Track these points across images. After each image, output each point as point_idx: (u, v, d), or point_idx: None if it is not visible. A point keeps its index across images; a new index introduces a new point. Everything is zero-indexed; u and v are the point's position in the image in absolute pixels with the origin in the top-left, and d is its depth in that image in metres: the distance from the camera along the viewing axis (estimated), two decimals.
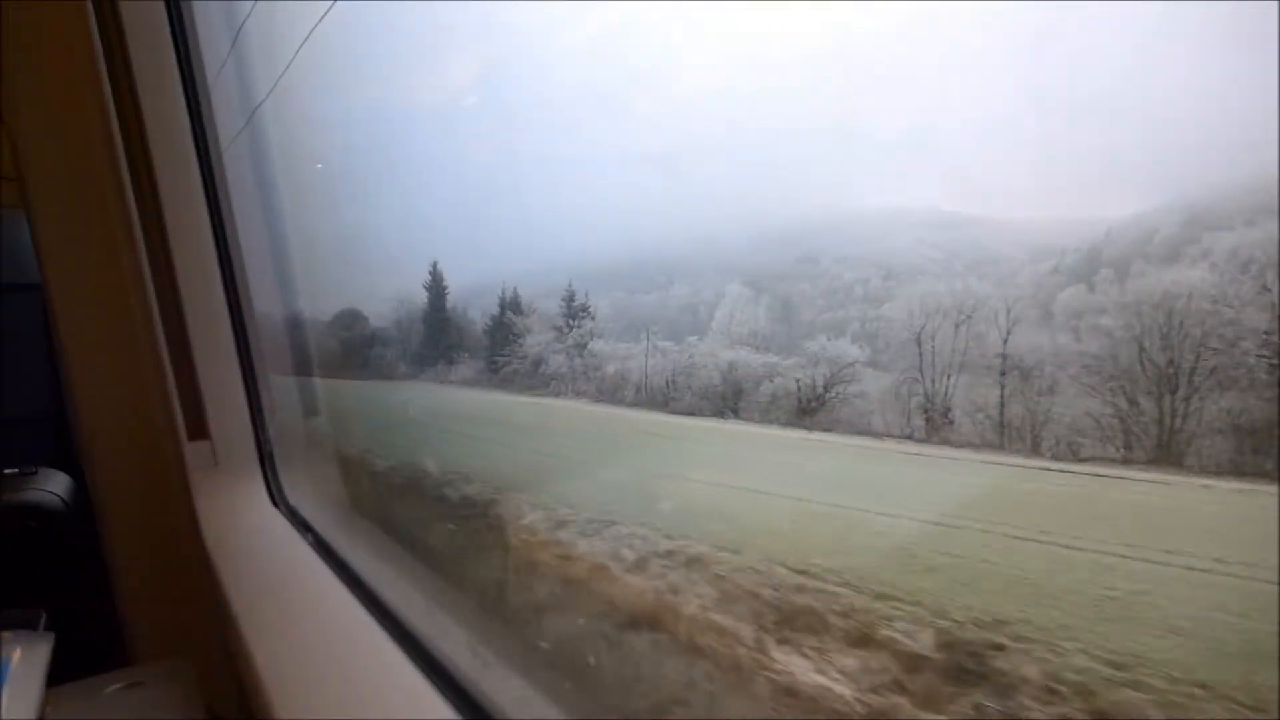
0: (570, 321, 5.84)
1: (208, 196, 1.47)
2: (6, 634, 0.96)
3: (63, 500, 1.50)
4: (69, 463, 1.65)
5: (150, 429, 1.44)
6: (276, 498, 1.46)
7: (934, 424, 3.55)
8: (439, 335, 6.71)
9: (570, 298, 6.02)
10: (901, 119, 4.15)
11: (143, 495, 1.44)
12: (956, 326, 3.61)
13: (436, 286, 6.67)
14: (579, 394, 5.63)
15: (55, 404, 2.02)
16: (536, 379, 5.84)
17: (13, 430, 1.96)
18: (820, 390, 4.23)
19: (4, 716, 0.80)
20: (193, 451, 1.44)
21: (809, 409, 4.23)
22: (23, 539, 1.43)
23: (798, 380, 4.35)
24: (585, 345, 5.72)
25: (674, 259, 5.80)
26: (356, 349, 6.72)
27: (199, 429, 1.46)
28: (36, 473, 1.56)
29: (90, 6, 1.34)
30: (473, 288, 6.71)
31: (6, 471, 1.54)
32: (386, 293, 6.71)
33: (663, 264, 5.82)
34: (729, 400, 4.71)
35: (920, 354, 3.70)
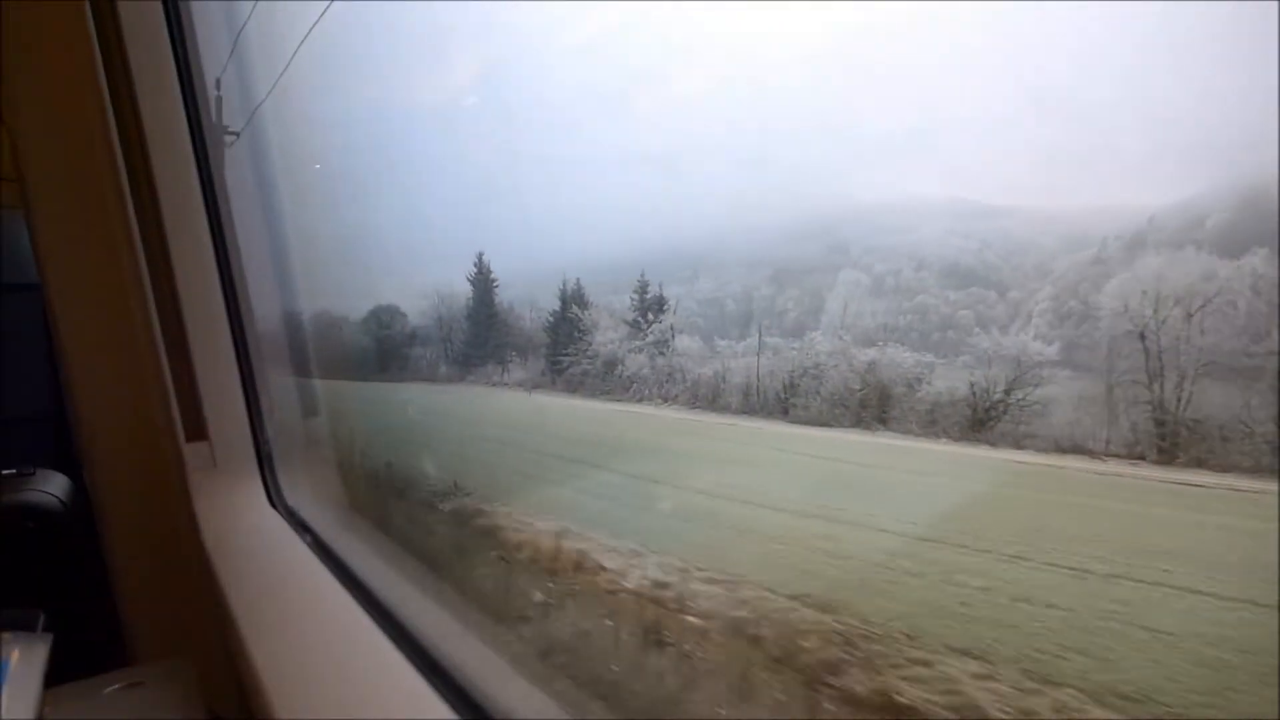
0: (647, 316, 5.11)
1: (205, 197, 1.47)
2: (5, 635, 0.96)
3: (61, 501, 1.50)
4: (68, 463, 1.65)
5: (149, 430, 1.44)
6: (275, 499, 1.46)
7: (1177, 441, 2.72)
8: (488, 332, 5.99)
9: (643, 289, 5.26)
10: (914, 113, 4.09)
11: (142, 496, 1.44)
12: (1189, 315, 2.86)
13: (483, 279, 6.03)
14: (668, 399, 4.77)
15: (55, 405, 2.02)
16: (612, 381, 5.07)
17: (12, 431, 1.96)
18: (1001, 395, 3.39)
19: (3, 717, 0.80)
20: (191, 452, 1.44)
21: (985, 419, 3.38)
22: (21, 540, 1.43)
23: (972, 383, 3.46)
24: (669, 342, 4.94)
25: (697, 253, 5.39)
26: (395, 349, 6.20)
27: (197, 430, 1.46)
28: (35, 474, 1.56)
29: (88, 8, 1.34)
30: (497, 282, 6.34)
31: (5, 473, 1.54)
32: (423, 286, 6.21)
33: (686, 258, 5.40)
34: (873, 407, 3.82)
35: (1145, 350, 2.90)
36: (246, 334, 1.52)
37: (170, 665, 1.11)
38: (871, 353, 4.00)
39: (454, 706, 0.65)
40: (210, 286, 1.47)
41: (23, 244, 1.65)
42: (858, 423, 3.85)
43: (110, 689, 1.04)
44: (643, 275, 5.24)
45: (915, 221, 4.58)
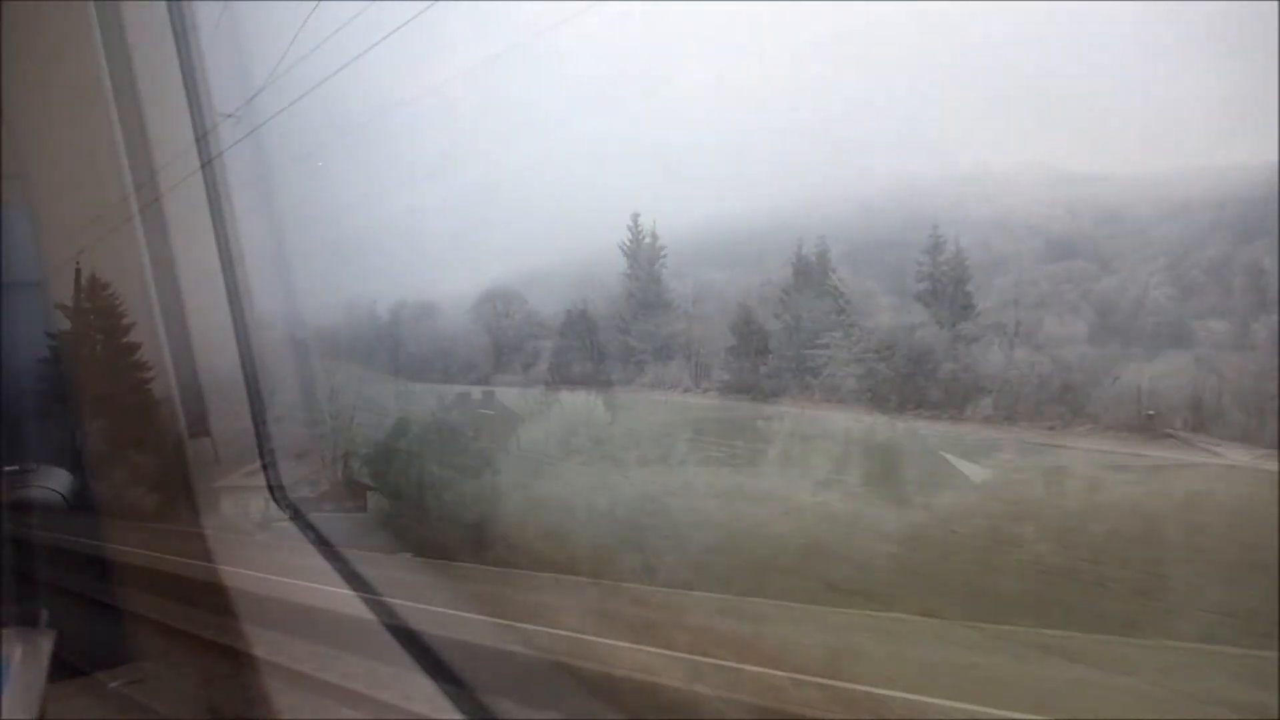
0: (961, 289, 3.29)
1: (209, 195, 1.47)
2: (9, 631, 0.96)
3: (64, 497, 1.50)
4: (71, 459, 1.65)
5: (152, 426, 1.44)
6: (278, 495, 1.46)
7: None
8: (660, 319, 4.20)
9: (934, 248, 3.46)
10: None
11: (144, 492, 1.44)
12: None
13: (644, 249, 4.19)
14: (1067, 423, 2.74)
15: (58, 401, 2.01)
16: (929, 386, 3.08)
17: (15, 427, 1.95)
18: None
19: (5, 713, 0.80)
20: (194, 449, 1.44)
21: None
22: (24, 536, 1.43)
23: None
24: (1011, 328, 3.05)
25: (758, 231, 4.60)
26: (518, 342, 4.88)
27: (200, 427, 1.46)
28: (37, 469, 1.56)
29: (92, 6, 1.34)
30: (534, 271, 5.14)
31: (8, 469, 1.53)
32: (541, 263, 4.92)
33: (746, 237, 4.62)
34: None
35: None
36: (249, 330, 1.52)
37: (171, 662, 1.11)
38: None
39: (458, 705, 0.65)
40: (213, 284, 1.47)
41: (24, 242, 1.65)
42: None
43: (112, 685, 1.04)
44: (935, 229, 3.54)
45: (999, 189, 4.02)
